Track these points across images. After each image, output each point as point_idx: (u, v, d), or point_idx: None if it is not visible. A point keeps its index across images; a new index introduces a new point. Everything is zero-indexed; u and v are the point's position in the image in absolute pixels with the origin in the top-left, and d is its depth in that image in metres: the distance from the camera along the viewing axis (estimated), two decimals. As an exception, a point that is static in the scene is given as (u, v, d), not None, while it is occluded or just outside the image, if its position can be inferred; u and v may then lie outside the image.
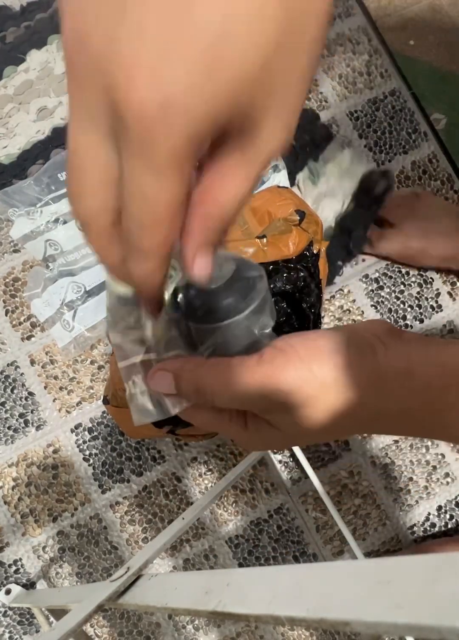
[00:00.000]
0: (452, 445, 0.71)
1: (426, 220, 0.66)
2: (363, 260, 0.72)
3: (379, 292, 0.71)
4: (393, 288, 0.71)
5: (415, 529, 0.70)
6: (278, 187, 0.67)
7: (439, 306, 0.72)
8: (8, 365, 0.67)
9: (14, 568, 0.66)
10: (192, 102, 0.15)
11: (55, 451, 0.67)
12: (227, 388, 0.25)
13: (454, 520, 0.71)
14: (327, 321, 0.71)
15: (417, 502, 0.70)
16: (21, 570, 0.66)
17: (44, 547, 0.66)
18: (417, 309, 0.71)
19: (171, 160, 0.16)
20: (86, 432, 0.67)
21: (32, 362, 0.67)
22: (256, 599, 0.20)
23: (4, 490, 0.66)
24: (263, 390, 0.25)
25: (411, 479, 0.70)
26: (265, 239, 0.52)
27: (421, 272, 0.72)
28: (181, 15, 0.14)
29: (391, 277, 0.71)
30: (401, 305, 0.71)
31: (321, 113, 0.72)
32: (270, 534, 0.69)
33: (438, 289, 0.72)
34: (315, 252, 0.55)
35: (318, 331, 0.28)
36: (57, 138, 0.67)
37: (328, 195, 0.70)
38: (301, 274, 0.54)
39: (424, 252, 0.67)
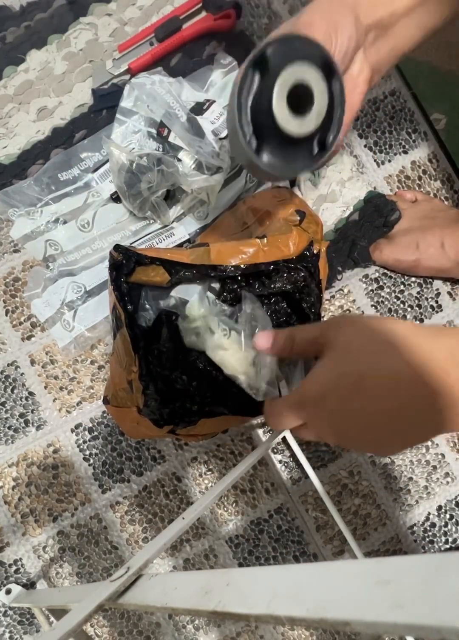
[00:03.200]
0: (452, 445, 0.71)
1: (420, 232, 0.66)
2: (363, 260, 0.72)
3: (379, 292, 0.71)
4: (393, 288, 0.71)
5: (415, 529, 0.70)
6: (279, 187, 0.67)
7: (439, 306, 0.72)
8: (8, 365, 0.67)
9: (14, 568, 0.66)
10: None
11: (55, 451, 0.67)
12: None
13: (454, 520, 0.71)
14: (327, 321, 0.71)
15: (417, 502, 0.70)
16: (21, 570, 0.66)
17: (44, 547, 0.66)
18: (417, 309, 0.71)
19: None
20: (86, 432, 0.67)
21: (32, 362, 0.67)
22: (256, 599, 0.20)
23: (4, 490, 0.66)
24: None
25: (411, 479, 0.70)
26: (265, 239, 0.52)
27: (421, 272, 0.72)
28: None
29: (391, 277, 0.71)
30: (401, 305, 0.71)
31: (321, 113, 0.72)
32: (270, 534, 0.69)
33: (438, 289, 0.72)
34: (315, 252, 0.55)
35: None
36: (57, 138, 0.67)
37: (329, 199, 0.70)
38: (302, 274, 0.54)
39: (417, 265, 0.67)
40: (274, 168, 0.28)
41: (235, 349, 0.46)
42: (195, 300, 0.53)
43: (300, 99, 0.26)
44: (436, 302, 0.72)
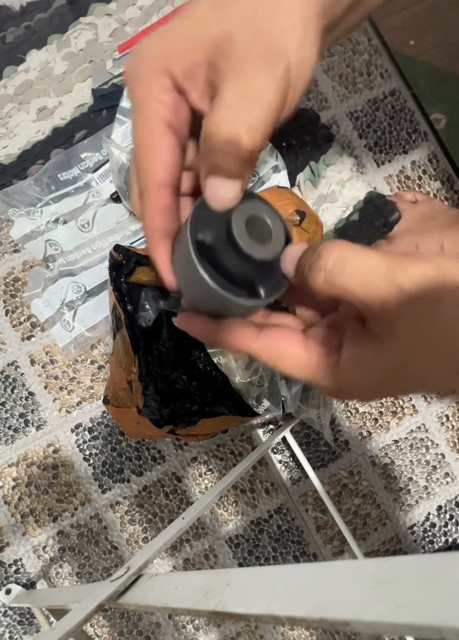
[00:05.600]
0: (452, 445, 0.71)
1: (420, 233, 0.66)
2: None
3: (379, 292, 0.71)
4: (393, 288, 0.71)
5: (415, 528, 0.70)
6: (279, 187, 0.67)
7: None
8: (8, 365, 0.67)
9: (14, 568, 0.66)
10: None
11: (55, 451, 0.67)
12: (350, 260, 0.22)
13: (454, 520, 0.71)
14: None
15: (417, 502, 0.70)
16: (21, 570, 0.66)
17: (44, 547, 0.66)
18: (417, 309, 0.71)
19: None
20: (86, 432, 0.67)
21: (32, 362, 0.67)
22: (256, 599, 0.20)
23: (4, 490, 0.66)
24: (395, 263, 0.21)
25: (411, 479, 0.70)
26: (265, 239, 0.52)
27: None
28: None
29: (391, 277, 0.71)
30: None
31: (321, 113, 0.72)
32: (270, 534, 0.69)
33: (438, 289, 0.72)
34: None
35: None
36: (57, 138, 0.67)
37: (329, 199, 0.70)
38: (301, 274, 0.54)
39: None
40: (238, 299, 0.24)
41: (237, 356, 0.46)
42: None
43: (254, 229, 0.24)
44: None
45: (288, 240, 0.26)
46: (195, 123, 0.25)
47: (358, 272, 0.21)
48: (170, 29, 0.23)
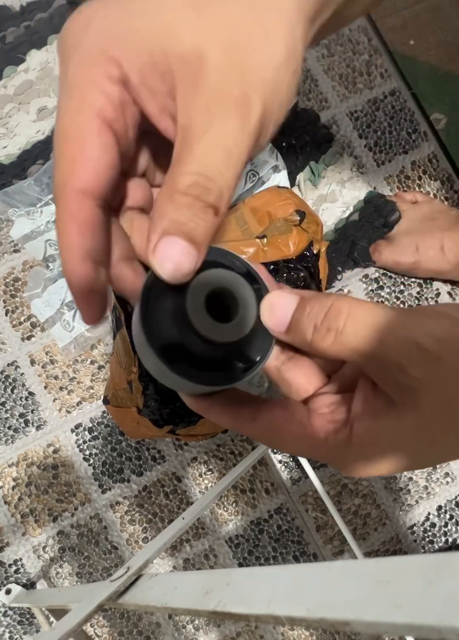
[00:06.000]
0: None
1: (420, 233, 0.66)
2: (363, 260, 0.72)
3: (379, 292, 0.71)
4: (393, 288, 0.71)
5: (415, 528, 0.70)
6: (278, 187, 0.67)
7: (439, 306, 0.72)
8: (8, 365, 0.67)
9: (14, 568, 0.66)
10: None
11: (55, 451, 0.67)
12: (366, 319, 0.19)
13: (454, 520, 0.71)
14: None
15: (417, 502, 0.70)
16: (21, 570, 0.66)
17: (44, 547, 0.66)
18: (417, 309, 0.72)
19: None
20: (86, 432, 0.67)
21: (32, 362, 0.67)
22: (256, 599, 0.20)
23: (4, 490, 0.66)
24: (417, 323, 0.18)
25: (411, 478, 0.70)
26: (265, 239, 0.52)
27: (421, 272, 0.72)
28: None
29: (391, 277, 0.71)
30: (401, 306, 0.71)
31: (321, 113, 0.72)
32: (270, 534, 0.69)
33: (437, 289, 0.72)
34: (315, 252, 0.55)
35: None
36: (57, 138, 0.67)
37: (329, 199, 0.70)
38: (302, 274, 0.54)
39: (416, 267, 0.67)
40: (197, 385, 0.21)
41: None
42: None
43: (220, 302, 0.21)
44: (436, 302, 0.72)
45: (260, 300, 0.22)
46: (146, 126, 0.21)
47: (372, 333, 0.19)
48: (132, 11, 0.18)
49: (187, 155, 0.18)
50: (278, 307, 0.21)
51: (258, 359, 0.22)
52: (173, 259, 0.18)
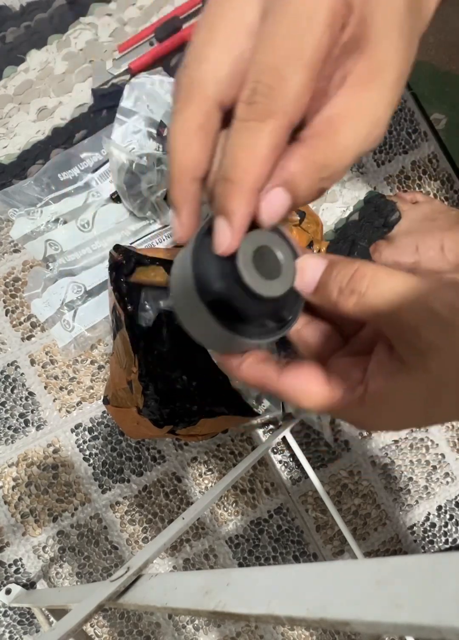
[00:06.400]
0: (452, 445, 0.71)
1: (420, 234, 0.66)
2: (363, 260, 0.72)
3: (379, 292, 0.71)
4: (393, 288, 0.71)
5: (415, 529, 0.70)
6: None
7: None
8: (8, 365, 0.67)
9: (14, 568, 0.66)
10: None
11: (55, 451, 0.67)
12: (386, 281, 0.20)
13: (454, 520, 0.71)
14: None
15: (417, 502, 0.70)
16: (21, 570, 0.66)
17: (44, 547, 0.66)
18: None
19: None
20: (86, 432, 0.67)
21: (32, 362, 0.67)
22: (256, 599, 0.20)
23: (4, 490, 0.66)
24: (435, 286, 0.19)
25: (411, 479, 0.70)
26: (265, 239, 0.52)
27: (421, 272, 0.72)
28: None
29: (391, 277, 0.71)
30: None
31: (321, 113, 0.72)
32: (270, 534, 0.69)
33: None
34: (315, 252, 0.55)
35: None
36: (57, 138, 0.67)
37: (329, 199, 0.70)
38: (301, 274, 0.54)
39: (416, 267, 0.67)
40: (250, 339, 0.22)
41: None
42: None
43: (263, 261, 0.22)
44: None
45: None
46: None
47: (392, 297, 0.20)
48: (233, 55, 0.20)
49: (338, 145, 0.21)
50: (308, 268, 0.23)
51: (290, 317, 0.24)
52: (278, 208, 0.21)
